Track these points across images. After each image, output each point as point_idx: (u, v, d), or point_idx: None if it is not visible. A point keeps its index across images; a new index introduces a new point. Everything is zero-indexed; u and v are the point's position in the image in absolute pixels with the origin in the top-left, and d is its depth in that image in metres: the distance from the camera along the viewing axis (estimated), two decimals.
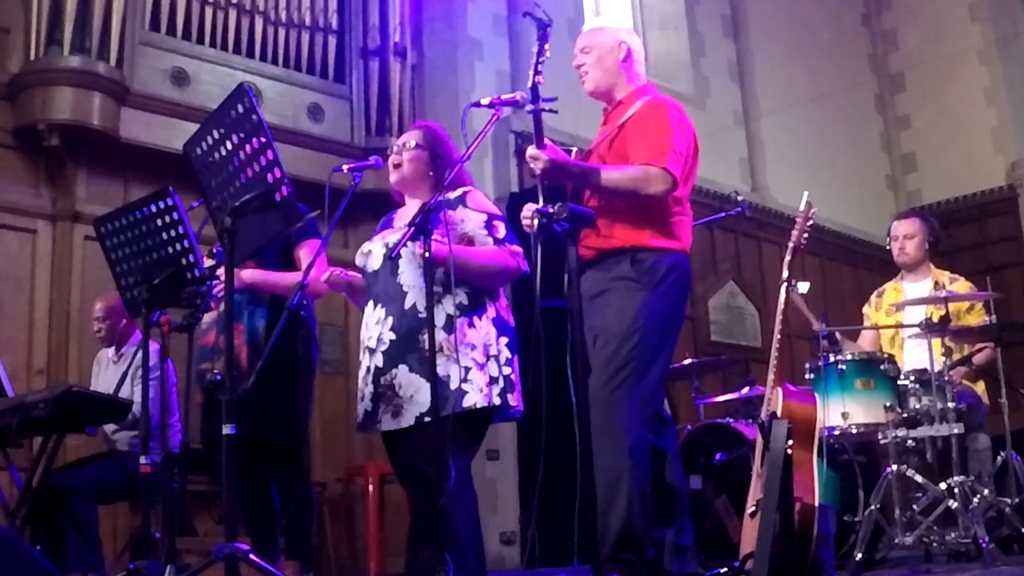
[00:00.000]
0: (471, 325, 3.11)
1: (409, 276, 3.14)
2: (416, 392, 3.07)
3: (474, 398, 3.03)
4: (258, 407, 3.34)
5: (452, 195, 3.21)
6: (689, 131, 3.20)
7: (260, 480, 3.67)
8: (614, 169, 3.07)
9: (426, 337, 3.03)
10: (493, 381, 3.09)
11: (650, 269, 3.10)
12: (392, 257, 3.12)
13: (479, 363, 3.08)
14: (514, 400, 3.14)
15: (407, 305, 3.13)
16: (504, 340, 3.17)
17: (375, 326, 3.19)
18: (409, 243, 3.02)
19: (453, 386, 3.03)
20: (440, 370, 3.02)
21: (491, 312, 3.18)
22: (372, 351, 3.18)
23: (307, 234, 3.65)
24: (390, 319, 3.16)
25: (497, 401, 3.08)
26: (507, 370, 3.14)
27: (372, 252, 3.27)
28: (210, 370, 3.53)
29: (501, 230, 3.21)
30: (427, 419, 3.07)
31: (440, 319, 3.07)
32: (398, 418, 3.10)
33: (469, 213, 3.19)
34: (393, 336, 3.14)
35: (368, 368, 3.19)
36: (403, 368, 3.10)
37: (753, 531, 3.09)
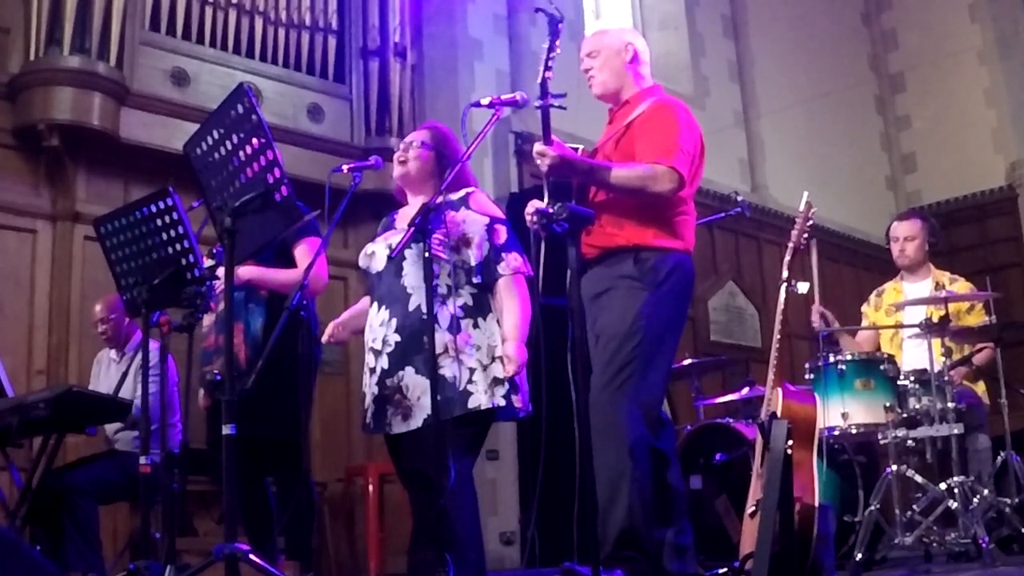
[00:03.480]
0: (475, 326, 3.11)
1: (413, 277, 3.13)
2: (423, 394, 3.05)
3: (479, 399, 3.03)
4: (257, 406, 3.34)
5: (455, 196, 3.21)
6: (696, 131, 3.20)
7: (258, 480, 3.66)
8: (621, 166, 3.07)
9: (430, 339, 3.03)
10: (497, 383, 3.07)
11: (653, 269, 3.09)
12: (392, 257, 3.12)
13: (484, 364, 3.07)
14: (519, 402, 3.12)
15: (411, 307, 3.13)
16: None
17: (379, 328, 3.19)
18: (415, 245, 3.02)
19: (459, 388, 3.03)
20: (445, 371, 3.02)
21: (497, 313, 3.18)
22: (378, 353, 3.18)
23: (304, 232, 3.65)
24: (394, 320, 3.15)
25: (502, 403, 3.07)
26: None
27: (376, 253, 3.27)
28: (211, 371, 3.54)
29: (502, 235, 3.20)
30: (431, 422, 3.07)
31: (444, 320, 3.07)
32: (408, 420, 3.10)
33: (471, 215, 3.19)
34: (398, 338, 3.13)
35: (373, 370, 3.18)
36: (410, 370, 3.10)
37: (753, 531, 3.09)
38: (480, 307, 3.13)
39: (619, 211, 3.12)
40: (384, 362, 3.15)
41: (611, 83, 3.31)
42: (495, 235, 3.19)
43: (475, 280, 3.15)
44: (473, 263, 3.15)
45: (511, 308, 3.12)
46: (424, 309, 3.06)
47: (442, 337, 3.06)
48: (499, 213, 3.27)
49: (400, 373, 3.11)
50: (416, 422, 3.08)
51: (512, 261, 3.17)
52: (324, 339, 3.40)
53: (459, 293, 3.10)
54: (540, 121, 2.92)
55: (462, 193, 3.22)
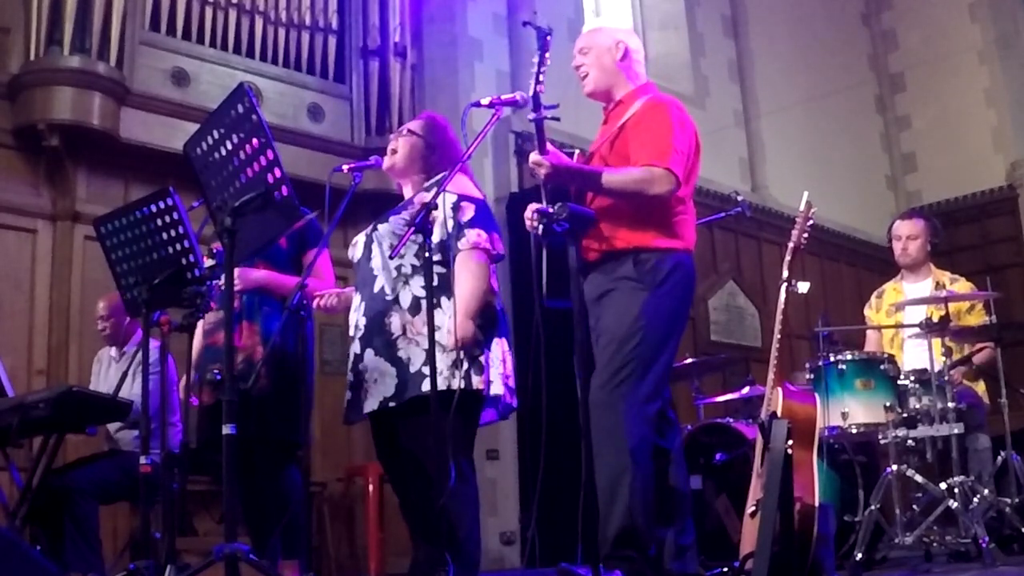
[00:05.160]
0: (437, 306, 3.05)
1: (379, 259, 3.14)
2: (380, 376, 3.06)
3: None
4: (266, 406, 3.35)
5: (434, 179, 3.23)
6: (690, 129, 3.19)
7: (257, 480, 3.66)
8: (617, 171, 3.07)
9: (391, 320, 3.02)
10: (456, 364, 3.02)
11: (653, 269, 3.09)
12: (391, 257, 3.12)
13: (443, 345, 3.01)
14: (480, 383, 3.05)
15: (376, 288, 3.15)
16: (476, 322, 3.09)
17: (354, 313, 3.23)
18: (382, 226, 3.02)
19: (413, 369, 3.01)
20: (401, 353, 3.02)
21: None
22: (352, 339, 3.20)
23: (319, 243, 3.63)
24: (363, 304, 3.17)
25: (460, 384, 3.01)
26: (475, 352, 3.07)
27: (358, 243, 3.29)
28: (210, 370, 3.53)
29: (468, 212, 3.16)
30: (392, 404, 3.06)
31: (406, 301, 3.07)
32: (366, 401, 3.11)
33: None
34: (364, 320, 3.14)
35: (350, 356, 3.21)
36: (369, 352, 3.11)
37: (753, 531, 3.09)
38: (444, 287, 3.08)
39: (617, 214, 3.11)
40: (356, 347, 3.17)
41: (601, 81, 3.30)
42: (460, 212, 3.15)
43: (434, 258, 3.07)
44: (435, 241, 3.10)
45: (460, 282, 3.07)
46: (388, 290, 3.09)
47: (401, 318, 3.05)
48: (474, 192, 3.24)
49: (363, 355, 3.11)
50: (371, 404, 3.08)
51: (473, 237, 3.12)
52: (315, 304, 3.36)
53: (423, 273, 3.07)
54: (532, 125, 2.91)
55: (440, 176, 3.21)
